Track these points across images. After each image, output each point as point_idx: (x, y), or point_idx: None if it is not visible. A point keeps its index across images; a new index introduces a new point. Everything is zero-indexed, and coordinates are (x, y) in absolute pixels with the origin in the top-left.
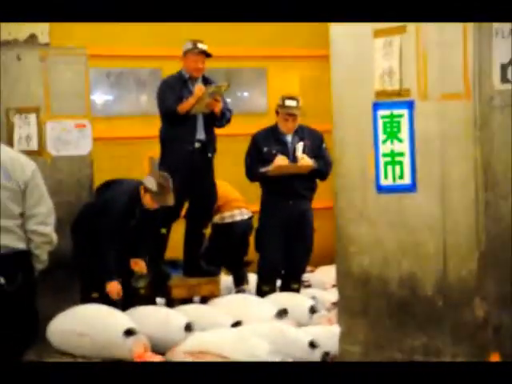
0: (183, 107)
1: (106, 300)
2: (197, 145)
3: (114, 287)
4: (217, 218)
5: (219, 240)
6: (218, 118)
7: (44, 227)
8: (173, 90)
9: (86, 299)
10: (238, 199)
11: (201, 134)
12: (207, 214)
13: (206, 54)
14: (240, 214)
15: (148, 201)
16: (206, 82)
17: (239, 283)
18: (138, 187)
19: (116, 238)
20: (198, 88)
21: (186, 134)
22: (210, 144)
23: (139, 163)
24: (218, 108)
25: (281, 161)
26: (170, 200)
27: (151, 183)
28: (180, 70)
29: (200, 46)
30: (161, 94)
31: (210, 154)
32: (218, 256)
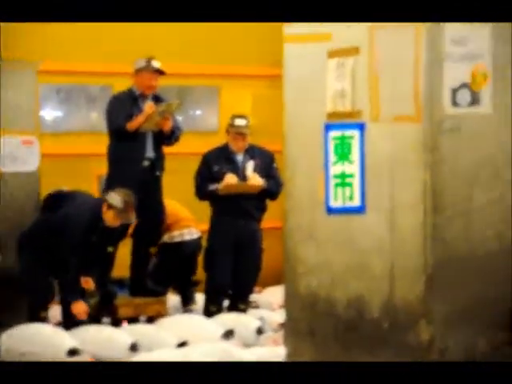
0: (132, 125)
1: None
2: (145, 163)
3: (80, 307)
4: (166, 237)
5: (168, 259)
6: (167, 137)
7: None
8: (123, 106)
9: (33, 318)
10: (188, 218)
11: (150, 152)
12: (155, 233)
13: (159, 72)
14: (189, 234)
15: (110, 218)
16: (157, 99)
17: (186, 303)
18: (99, 204)
19: (79, 256)
20: (149, 106)
21: (134, 152)
22: (158, 162)
23: (87, 180)
24: (167, 126)
25: (230, 179)
26: (133, 217)
27: (116, 200)
28: (131, 87)
29: (153, 63)
30: (110, 110)
31: (158, 173)
32: (166, 275)
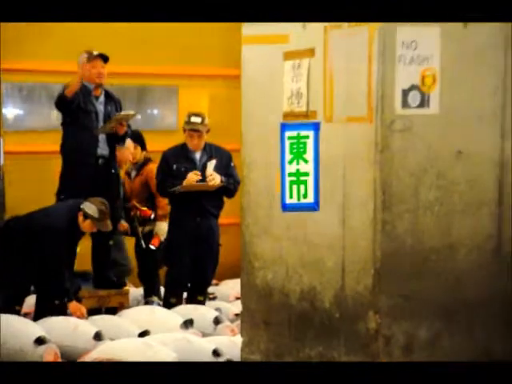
0: (70, 90)
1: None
2: (100, 161)
3: (76, 307)
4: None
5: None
6: (119, 139)
7: None
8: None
9: (6, 311)
10: None
11: (103, 150)
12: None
13: (103, 59)
14: None
15: (87, 227)
16: (108, 96)
17: (149, 295)
18: (74, 211)
19: (64, 261)
20: (76, 82)
21: (87, 149)
22: (113, 160)
23: (49, 178)
24: (122, 131)
25: (191, 177)
26: (109, 225)
27: (92, 210)
28: (83, 83)
29: (94, 52)
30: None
31: (113, 170)
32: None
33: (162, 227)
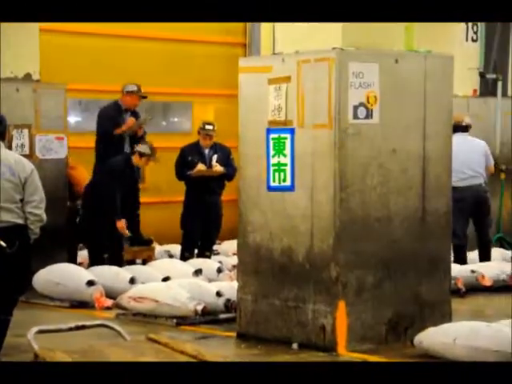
0: (118, 131)
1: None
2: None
3: (122, 224)
4: None
5: None
6: (138, 138)
7: (37, 210)
8: (111, 117)
9: (95, 260)
10: None
11: (127, 149)
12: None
13: (143, 97)
14: None
15: (143, 162)
16: (134, 112)
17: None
18: (128, 157)
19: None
20: (131, 120)
21: (117, 150)
22: (131, 154)
23: None
24: (140, 132)
25: (200, 167)
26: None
27: (146, 149)
28: (117, 101)
29: (141, 91)
30: (100, 120)
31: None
32: None
33: None
